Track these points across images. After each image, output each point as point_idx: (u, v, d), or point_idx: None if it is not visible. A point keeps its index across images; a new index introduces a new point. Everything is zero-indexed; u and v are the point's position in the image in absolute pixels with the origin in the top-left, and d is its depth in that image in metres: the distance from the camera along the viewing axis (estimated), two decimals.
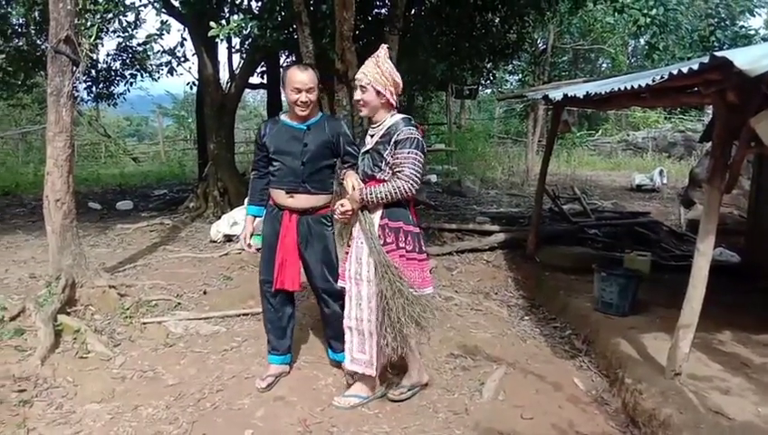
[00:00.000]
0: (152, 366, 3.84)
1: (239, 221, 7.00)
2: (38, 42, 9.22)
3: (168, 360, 3.95)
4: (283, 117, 3.43)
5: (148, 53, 9.55)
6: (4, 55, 9.30)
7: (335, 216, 3.26)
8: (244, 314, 4.73)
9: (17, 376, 3.58)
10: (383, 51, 3.16)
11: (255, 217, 3.58)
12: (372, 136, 3.16)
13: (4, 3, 8.78)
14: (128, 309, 4.61)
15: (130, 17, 8.24)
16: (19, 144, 20.79)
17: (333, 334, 3.56)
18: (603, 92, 3.84)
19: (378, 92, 3.06)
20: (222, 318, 4.67)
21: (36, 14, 8.39)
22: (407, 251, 3.11)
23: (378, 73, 3.06)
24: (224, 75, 9.58)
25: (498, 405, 3.39)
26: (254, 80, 10.37)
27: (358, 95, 3.13)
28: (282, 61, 10.03)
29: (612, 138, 21.64)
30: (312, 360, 3.92)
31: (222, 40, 7.46)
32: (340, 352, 3.52)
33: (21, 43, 9.50)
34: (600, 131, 23.03)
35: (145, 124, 30.37)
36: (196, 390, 3.50)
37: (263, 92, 18.61)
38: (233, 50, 9.49)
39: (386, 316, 3.04)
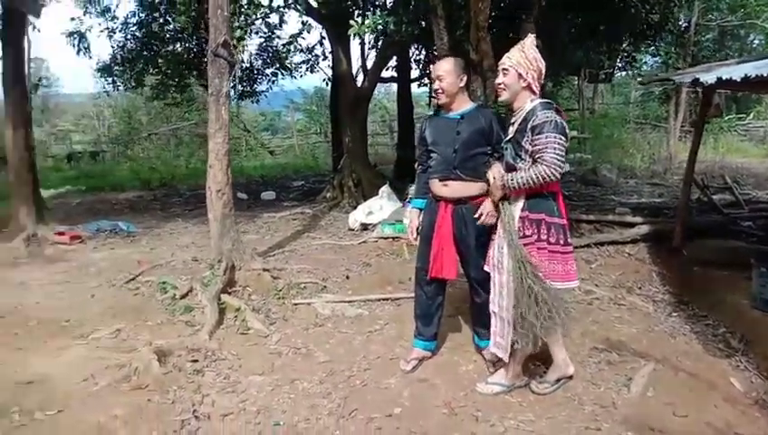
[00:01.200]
0: (305, 344, 4.13)
1: (374, 211, 7.29)
2: (191, 46, 10.11)
3: (318, 339, 4.23)
4: (442, 110, 3.54)
5: (290, 51, 10.11)
6: (162, 59, 10.30)
7: (480, 220, 3.30)
8: (384, 299, 4.94)
9: (190, 348, 4.02)
10: (529, 39, 3.14)
11: (420, 209, 3.68)
12: (513, 124, 3.15)
13: (162, 11, 9.73)
14: (280, 290, 5.00)
15: (274, 18, 8.80)
16: (170, 140, 22.92)
17: (482, 322, 3.61)
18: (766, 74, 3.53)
19: (519, 75, 3.03)
20: (364, 302, 4.90)
21: (185, 18, 9.15)
22: (549, 243, 3.06)
23: (522, 57, 3.04)
24: (357, 70, 9.94)
25: (648, 401, 3.27)
26: (386, 74, 10.63)
27: (499, 79, 3.12)
28: (411, 54, 10.20)
29: (766, 121, 19.57)
30: (453, 346, 4.01)
31: (357, 37, 7.75)
32: (484, 339, 3.58)
33: (177, 48, 10.48)
34: (752, 115, 20.88)
35: (278, 118, 32.02)
36: (346, 368, 3.72)
37: (388, 86, 18.99)
38: (366, 46, 9.82)
39: (516, 311, 3.05)
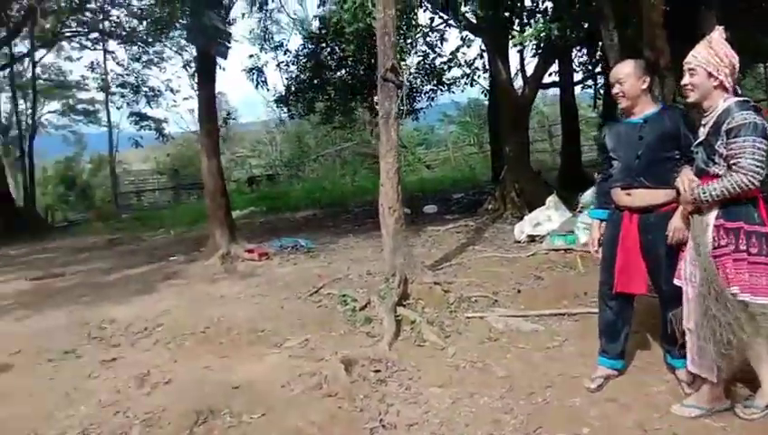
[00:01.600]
0: (481, 358, 4.14)
1: (542, 222, 7.12)
2: (356, 71, 10.72)
3: (493, 353, 4.22)
4: (621, 114, 3.41)
5: (450, 67, 10.28)
6: (330, 86, 11.05)
7: (670, 237, 3.11)
8: (560, 314, 4.79)
9: (372, 358, 4.23)
10: (716, 32, 2.90)
11: (601, 220, 3.56)
12: (704, 126, 2.92)
13: (329, 41, 10.43)
14: (452, 304, 5.08)
15: (432, 36, 9.03)
16: (335, 160, 24.39)
17: (673, 339, 3.37)
18: None
19: (709, 74, 2.81)
20: (539, 317, 4.80)
21: (353, 47, 9.72)
22: (749, 254, 2.78)
23: (710, 54, 2.81)
24: (515, 78, 9.84)
25: None
26: (547, 79, 10.39)
27: (685, 79, 2.90)
28: (574, 57, 9.86)
29: None
30: (641, 365, 3.78)
31: (518, 46, 7.70)
32: (677, 358, 3.33)
33: (343, 74, 11.18)
34: None
35: (431, 132, 32.52)
36: (526, 384, 3.67)
37: (544, 90, 18.43)
38: (526, 53, 9.70)
39: (709, 329, 2.80)
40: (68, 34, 19.94)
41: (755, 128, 2.68)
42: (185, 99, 21.75)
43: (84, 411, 3.73)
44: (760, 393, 3.06)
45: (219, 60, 8.78)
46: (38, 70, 23.85)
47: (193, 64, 17.32)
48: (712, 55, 2.82)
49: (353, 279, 6.32)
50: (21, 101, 24.36)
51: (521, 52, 9.51)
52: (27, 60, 22.36)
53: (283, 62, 11.06)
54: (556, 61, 9.69)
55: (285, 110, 11.78)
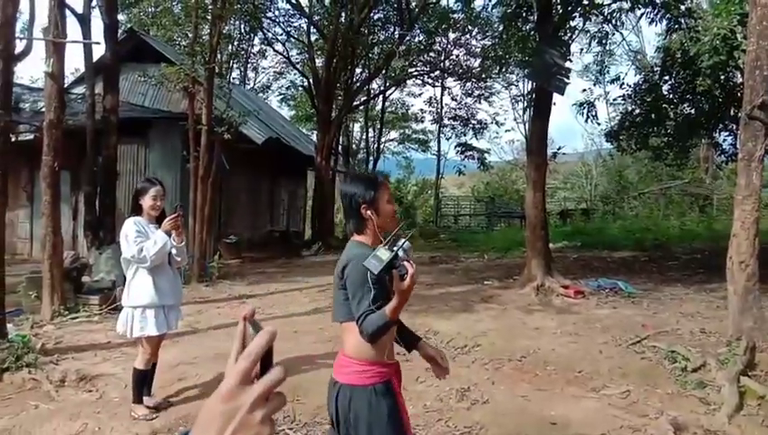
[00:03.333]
0: None
1: None
2: (703, 106, 9.74)
3: None
4: None
5: None
6: (671, 121, 10.25)
7: None
8: None
9: (706, 428, 3.78)
10: None
11: None
12: None
13: (675, 74, 9.71)
14: None
15: None
16: (660, 198, 22.41)
17: None
18: None
19: None
20: None
21: (709, 81, 8.84)
22: None
23: None
24: None
25: None
26: None
27: None
28: None
29: None
30: None
31: None
32: None
33: (685, 108, 10.27)
34: None
35: None
36: None
37: None
38: None
39: None
40: (414, 73, 22.67)
41: None
42: (507, 131, 22.82)
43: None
44: None
45: (556, 95, 8.95)
46: (386, 104, 27.77)
47: (521, 99, 18.07)
48: None
49: (683, 335, 5.73)
50: (370, 130, 28.71)
51: None
52: (379, 96, 26.20)
53: (620, 96, 10.71)
54: None
55: (614, 144, 11.35)
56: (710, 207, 19.97)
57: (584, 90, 10.96)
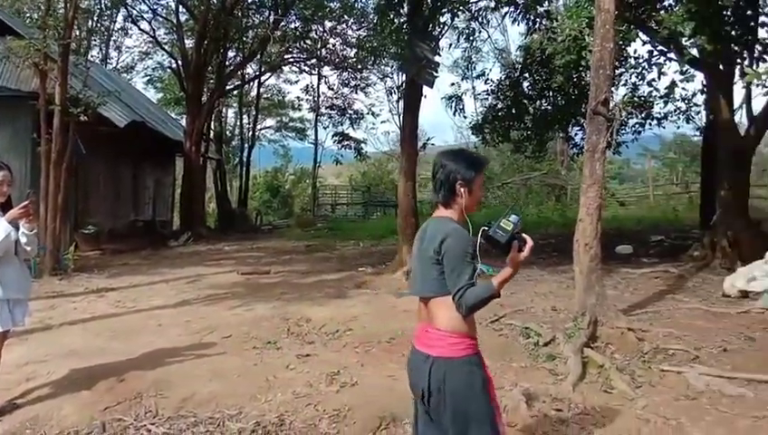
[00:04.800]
0: (675, 416, 3.82)
1: (758, 277, 6.35)
2: (558, 102, 10.54)
3: (690, 413, 3.86)
4: None
5: (667, 102, 9.63)
6: (530, 116, 10.99)
7: None
8: None
9: (554, 396, 4.12)
10: None
11: None
12: None
13: (533, 71, 10.41)
14: (646, 353, 4.75)
15: (649, 70, 8.57)
16: (521, 189, 24.01)
17: None
18: None
19: None
20: (748, 381, 4.29)
21: (561, 78, 9.56)
22: None
23: None
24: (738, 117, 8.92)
25: None
26: None
27: None
28: None
29: None
30: None
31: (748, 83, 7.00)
32: None
33: (542, 104, 11.06)
34: None
35: (626, 166, 30.51)
36: None
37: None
38: (755, 91, 8.75)
39: None
40: (290, 60, 22.35)
41: None
42: (383, 122, 23.26)
43: (281, 398, 4.14)
44: None
45: (425, 88, 9.24)
46: (261, 90, 27.13)
47: (395, 91, 18.46)
48: None
49: (537, 313, 6.19)
50: (245, 117, 27.91)
51: (748, 88, 8.60)
52: (254, 81, 25.50)
53: (485, 90, 11.29)
54: None
55: (479, 137, 11.95)
56: (564, 197, 21.72)
57: (452, 84, 11.40)
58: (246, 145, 26.66)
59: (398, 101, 20.08)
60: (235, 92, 24.96)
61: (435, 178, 2.29)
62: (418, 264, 2.28)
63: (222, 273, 9.86)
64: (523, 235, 2.19)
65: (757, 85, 6.87)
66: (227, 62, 20.55)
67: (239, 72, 22.11)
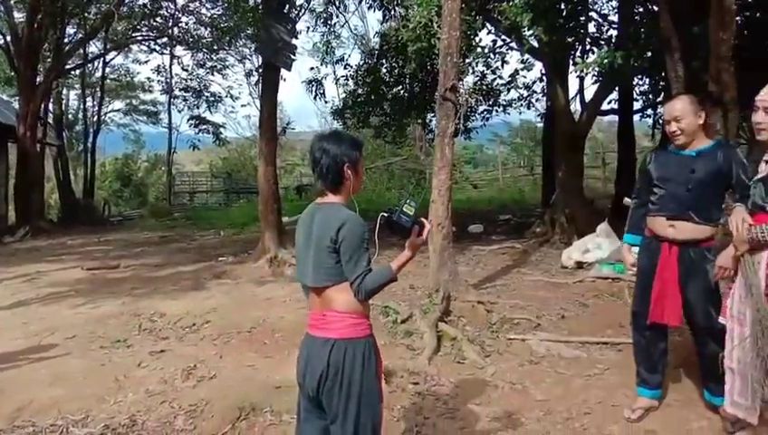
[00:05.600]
0: (520, 380, 4.14)
1: (591, 249, 7.05)
2: (414, 89, 10.87)
3: (533, 376, 4.21)
4: (673, 146, 3.38)
5: (509, 89, 10.30)
6: (387, 102, 11.23)
7: (714, 277, 3.09)
8: (603, 343, 4.74)
9: (411, 370, 4.29)
10: None
11: (631, 245, 3.58)
12: (766, 162, 2.87)
13: (390, 57, 10.62)
14: (494, 324, 5.09)
15: (494, 59, 9.11)
16: (383, 174, 24.59)
17: (711, 376, 3.32)
18: None
19: None
20: (582, 344, 4.76)
21: (414, 65, 9.86)
22: None
23: None
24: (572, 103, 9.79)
25: None
26: (605, 106, 10.31)
27: (759, 117, 2.82)
28: (635, 85, 9.75)
29: None
30: (683, 399, 3.71)
31: (580, 72, 7.69)
32: (718, 396, 3.27)
33: (400, 90, 11.35)
34: None
35: (480, 151, 32.35)
36: (564, 409, 3.65)
37: (600, 117, 18.23)
38: (586, 80, 9.65)
39: (762, 369, 2.75)
40: (139, 38, 20.83)
41: None
42: (243, 106, 22.51)
43: (132, 398, 3.91)
44: None
45: (283, 71, 9.06)
46: (107, 70, 25.05)
47: (254, 73, 17.93)
48: None
49: (396, 292, 6.36)
50: (89, 99, 25.62)
51: (581, 77, 9.48)
52: (98, 61, 23.47)
53: (343, 76, 11.35)
54: (616, 88, 9.59)
55: (341, 122, 12.02)
56: (424, 181, 22.60)
57: (312, 68, 11.34)
58: (91, 130, 24.53)
59: (256, 84, 19.55)
60: (77, 72, 22.80)
61: (317, 163, 2.23)
62: (313, 252, 2.22)
63: (64, 269, 9.04)
64: (421, 219, 2.25)
65: (586, 74, 7.57)
66: (66, 40, 18.67)
67: (80, 51, 20.20)
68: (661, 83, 8.74)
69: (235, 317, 5.73)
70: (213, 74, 21.22)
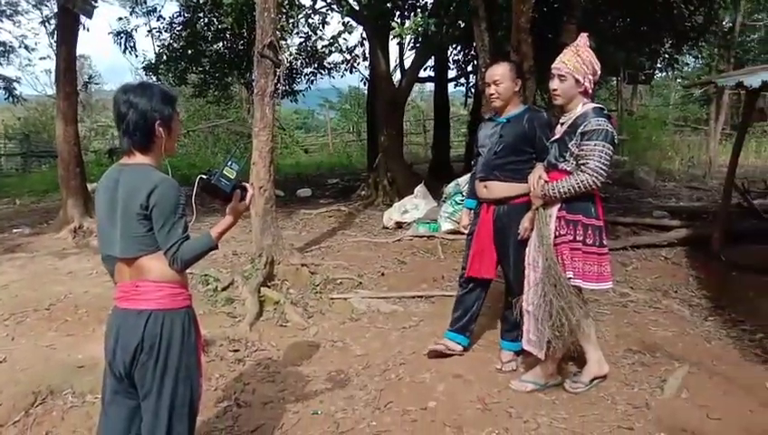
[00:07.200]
0: (341, 338, 4.25)
1: (409, 210, 7.39)
2: (234, 45, 10.36)
3: (354, 333, 4.34)
4: (492, 113, 3.63)
5: (331, 52, 10.25)
6: (205, 58, 10.59)
7: (522, 234, 3.38)
8: (419, 297, 5.03)
9: (231, 338, 4.19)
10: (583, 39, 3.15)
11: (470, 209, 3.83)
12: (562, 124, 3.17)
13: (207, 11, 9.98)
14: (317, 285, 5.14)
15: (315, 19, 8.98)
16: (208, 137, 23.42)
17: (509, 321, 3.68)
18: None
19: (576, 81, 3.05)
20: (399, 298, 5.01)
21: (231, 19, 9.38)
22: (585, 244, 3.10)
23: (578, 62, 3.04)
24: (394, 70, 10.06)
25: (681, 403, 3.28)
26: (423, 74, 10.72)
27: (555, 84, 3.10)
28: (449, 54, 10.28)
29: None
30: (487, 344, 4.07)
31: (398, 38, 7.88)
32: (508, 340, 3.68)
33: (220, 47, 10.76)
34: None
35: (311, 117, 32.25)
36: (381, 361, 3.83)
37: (421, 85, 19.03)
38: (405, 47, 9.94)
39: (546, 311, 3.12)
40: None
41: (606, 135, 2.98)
42: (41, 59, 19.83)
43: None
44: (586, 370, 3.43)
45: (83, 19, 8.08)
46: None
47: (53, 21, 15.81)
48: (580, 63, 3.05)
49: (217, 259, 6.13)
50: None
51: (400, 44, 9.74)
52: None
53: (155, 28, 10.44)
54: (432, 56, 10.03)
55: (154, 79, 11.11)
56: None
57: (120, 18, 10.27)
58: None
59: (52, 34, 17.29)
60: None
61: (123, 119, 1.99)
62: (120, 220, 1.99)
63: None
64: (243, 182, 2.11)
65: (403, 40, 7.80)
66: None
67: None
68: (472, 53, 9.33)
69: (30, 294, 5.11)
70: (2, 20, 18.32)
